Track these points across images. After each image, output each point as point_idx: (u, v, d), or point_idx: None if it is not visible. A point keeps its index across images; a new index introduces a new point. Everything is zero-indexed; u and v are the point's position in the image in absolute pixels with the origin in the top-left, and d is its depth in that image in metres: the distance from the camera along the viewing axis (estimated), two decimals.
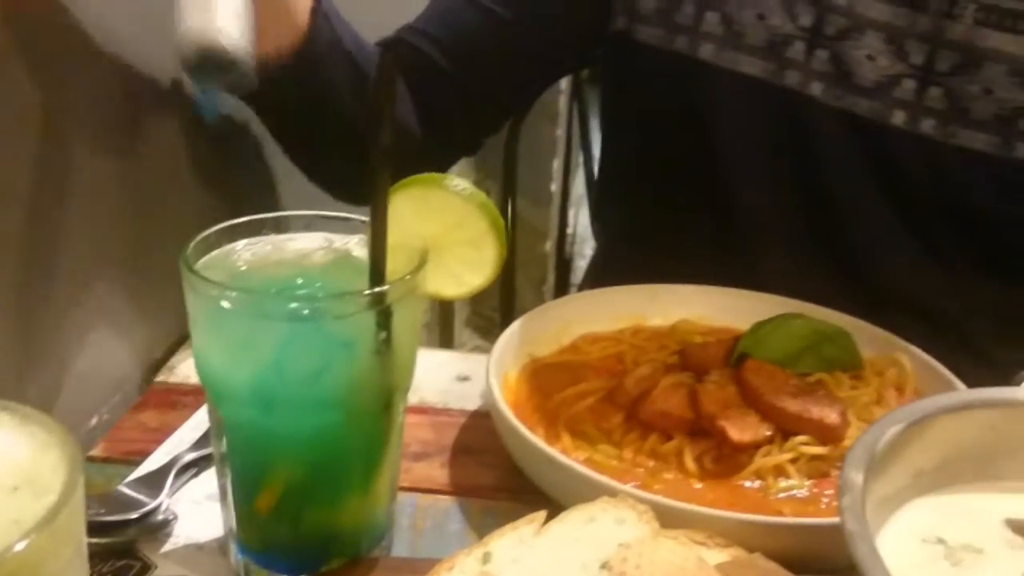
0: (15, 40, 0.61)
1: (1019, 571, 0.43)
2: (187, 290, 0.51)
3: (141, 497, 0.62)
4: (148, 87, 0.79)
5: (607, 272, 1.00)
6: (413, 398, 0.73)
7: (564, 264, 1.90)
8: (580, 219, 2.27)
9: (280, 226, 0.56)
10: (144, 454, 0.68)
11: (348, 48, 0.81)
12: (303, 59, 0.77)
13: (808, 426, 0.66)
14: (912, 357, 0.75)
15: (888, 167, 0.85)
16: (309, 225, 0.57)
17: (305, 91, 0.79)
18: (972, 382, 0.67)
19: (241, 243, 0.55)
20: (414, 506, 0.66)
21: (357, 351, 0.51)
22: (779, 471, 0.65)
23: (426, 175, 0.56)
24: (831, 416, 0.66)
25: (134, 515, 0.60)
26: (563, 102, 2.00)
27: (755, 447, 0.65)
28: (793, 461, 0.65)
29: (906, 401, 0.72)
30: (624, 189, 1.03)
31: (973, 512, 0.45)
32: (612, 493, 0.57)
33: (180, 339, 0.84)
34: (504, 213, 1.37)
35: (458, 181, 0.56)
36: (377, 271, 0.51)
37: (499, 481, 0.68)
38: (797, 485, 0.64)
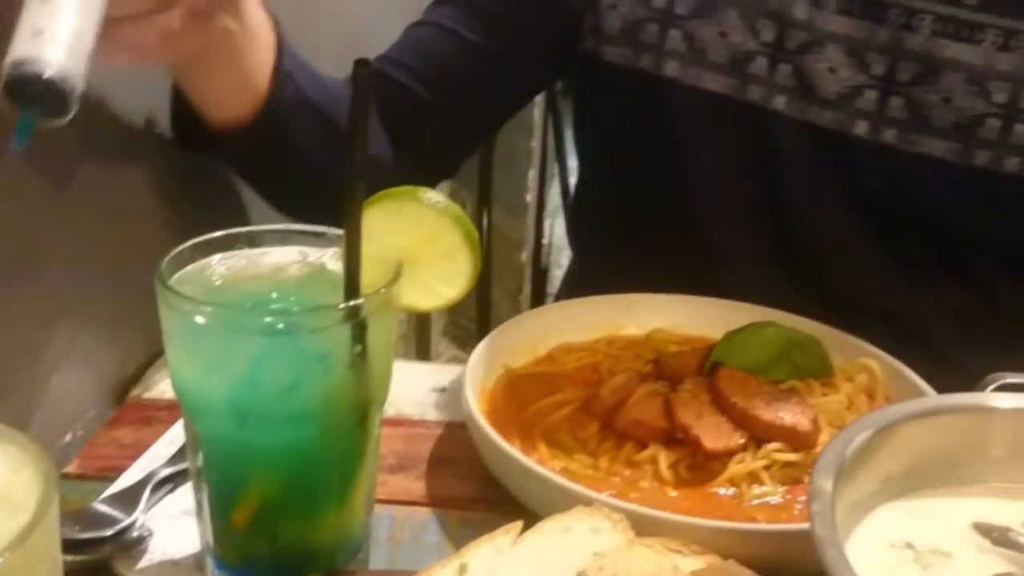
0: None
1: (986, 573, 0.44)
2: (162, 305, 0.51)
3: (116, 514, 0.61)
4: (119, 103, 0.78)
5: (583, 282, 1.01)
6: (389, 410, 0.73)
7: (540, 274, 1.90)
8: (556, 229, 2.28)
9: (254, 240, 0.56)
10: (119, 470, 0.68)
11: (314, 101, 0.80)
12: (265, 121, 0.76)
13: (780, 433, 0.67)
14: (882, 363, 0.76)
15: (852, 176, 0.87)
16: (283, 239, 0.57)
17: (272, 148, 0.78)
18: (939, 387, 0.68)
19: (215, 258, 0.55)
20: (391, 518, 0.66)
21: (332, 365, 0.51)
22: (752, 478, 0.65)
23: (400, 188, 0.57)
24: (803, 423, 0.67)
25: (109, 532, 0.60)
26: (538, 113, 2.01)
27: (729, 455, 0.66)
28: (766, 468, 0.66)
29: (876, 406, 0.73)
30: (598, 200, 1.04)
31: (941, 516, 0.45)
32: (588, 502, 0.57)
33: (154, 354, 0.84)
34: (480, 224, 1.38)
35: (432, 194, 0.56)
36: (352, 285, 0.51)
37: (476, 492, 0.68)
38: (770, 492, 0.65)
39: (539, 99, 1.88)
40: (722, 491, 0.65)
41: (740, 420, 0.68)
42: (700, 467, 0.66)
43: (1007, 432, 0.47)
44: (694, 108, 0.89)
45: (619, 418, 0.69)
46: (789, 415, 0.68)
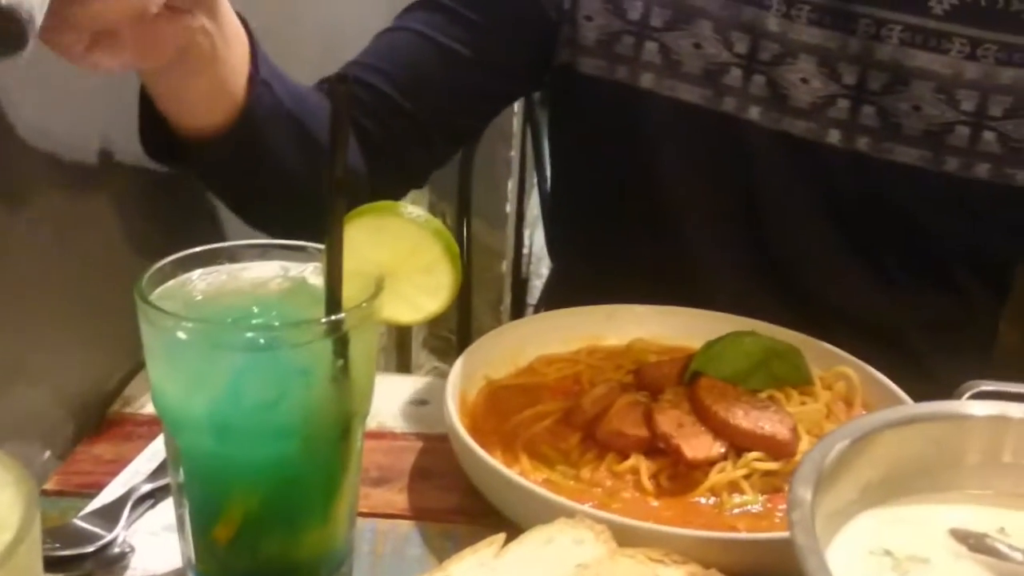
0: None
1: None
2: (142, 321, 0.51)
3: (97, 530, 0.61)
4: (95, 116, 0.78)
5: (563, 292, 1.01)
6: (371, 423, 0.73)
7: (520, 285, 1.91)
8: (536, 239, 2.29)
9: (235, 256, 0.56)
10: (99, 486, 0.68)
11: (289, 108, 0.78)
12: (242, 130, 0.74)
13: (760, 442, 0.67)
14: (859, 372, 0.76)
15: (826, 185, 0.88)
16: (264, 254, 0.57)
17: (246, 157, 0.77)
18: (915, 393, 0.69)
19: (196, 273, 0.55)
20: (374, 531, 0.66)
21: (314, 379, 0.52)
22: (733, 487, 0.66)
23: (380, 203, 0.57)
24: (782, 432, 0.68)
25: (90, 548, 0.59)
26: (516, 124, 2.02)
27: (709, 464, 0.66)
28: (747, 477, 0.66)
29: (855, 415, 0.74)
30: (576, 211, 1.05)
31: (918, 523, 0.46)
32: (570, 514, 0.57)
33: (134, 370, 0.83)
34: (460, 235, 1.38)
35: (412, 208, 0.57)
36: (333, 299, 0.51)
37: (458, 504, 0.68)
38: (751, 501, 0.65)
39: (517, 108, 1.89)
40: (703, 500, 0.65)
41: (720, 429, 0.68)
42: (681, 477, 0.67)
43: (982, 440, 0.47)
44: (669, 119, 0.90)
45: (600, 429, 0.70)
46: (769, 424, 0.68)
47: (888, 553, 0.44)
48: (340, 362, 0.52)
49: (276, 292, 0.56)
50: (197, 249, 0.55)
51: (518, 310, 1.86)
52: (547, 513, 0.58)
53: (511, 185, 2.12)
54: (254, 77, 0.74)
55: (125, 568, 0.60)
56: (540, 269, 2.27)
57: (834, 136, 0.87)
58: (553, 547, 0.54)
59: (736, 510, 0.65)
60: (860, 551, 0.44)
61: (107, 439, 0.75)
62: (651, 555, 0.54)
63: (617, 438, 0.69)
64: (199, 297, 0.54)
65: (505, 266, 2.23)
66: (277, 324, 0.53)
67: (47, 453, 0.73)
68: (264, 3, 1.04)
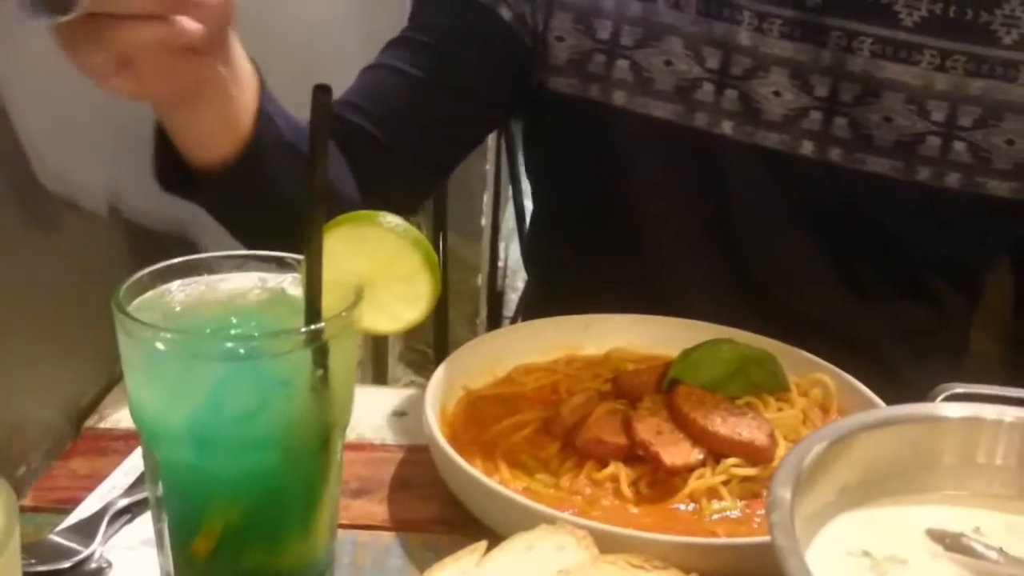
0: None
1: None
2: (120, 333, 0.51)
3: (73, 545, 0.60)
4: (73, 133, 0.78)
5: (540, 304, 1.02)
6: (350, 435, 0.73)
7: (496, 297, 1.91)
8: (511, 252, 2.29)
9: (213, 267, 0.56)
10: (75, 502, 0.67)
11: (289, 140, 0.81)
12: (248, 161, 0.77)
13: (738, 448, 0.68)
14: (835, 378, 0.77)
15: (799, 196, 0.89)
16: (243, 265, 0.57)
17: (250, 187, 0.79)
18: (889, 400, 0.70)
19: (174, 284, 0.55)
20: (354, 543, 0.65)
21: (294, 389, 0.51)
22: (712, 493, 0.66)
23: (359, 212, 0.57)
24: (760, 438, 0.68)
25: (66, 564, 0.59)
26: (491, 137, 2.02)
27: (688, 471, 0.67)
28: (725, 483, 0.67)
29: (831, 420, 0.75)
30: (552, 223, 1.06)
31: (896, 524, 0.47)
32: (551, 521, 0.58)
33: (109, 384, 0.83)
34: (435, 249, 1.38)
35: (391, 218, 0.57)
36: (312, 308, 0.51)
37: (438, 515, 0.68)
38: (730, 506, 0.66)
39: None
40: (683, 507, 0.66)
41: (698, 436, 0.69)
42: (661, 484, 0.67)
43: (956, 441, 0.48)
44: (642, 135, 0.91)
45: (579, 437, 0.70)
46: (746, 430, 0.69)
47: (866, 554, 0.45)
48: (320, 372, 0.52)
49: (255, 303, 0.55)
50: (175, 260, 0.55)
51: (494, 323, 1.87)
52: (528, 521, 0.58)
53: (486, 198, 2.13)
54: (260, 112, 0.77)
55: None
56: (515, 282, 2.28)
57: (807, 148, 0.88)
58: (535, 554, 0.54)
59: (715, 516, 0.65)
60: (839, 552, 0.45)
61: (83, 454, 0.74)
62: (632, 561, 0.54)
63: (596, 446, 0.69)
64: (177, 308, 0.54)
65: (481, 279, 2.23)
66: (256, 334, 0.53)
67: (22, 468, 0.72)
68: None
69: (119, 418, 0.78)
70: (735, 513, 0.65)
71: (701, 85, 0.89)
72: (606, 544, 0.56)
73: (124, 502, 0.66)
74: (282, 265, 0.57)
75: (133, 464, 0.71)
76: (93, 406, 0.81)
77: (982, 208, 0.87)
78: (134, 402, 0.53)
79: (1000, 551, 0.46)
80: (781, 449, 0.69)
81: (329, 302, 0.52)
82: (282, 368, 0.51)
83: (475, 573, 0.53)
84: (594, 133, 0.93)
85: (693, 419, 0.69)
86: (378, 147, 0.92)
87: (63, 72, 0.75)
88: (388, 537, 0.66)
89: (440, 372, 0.75)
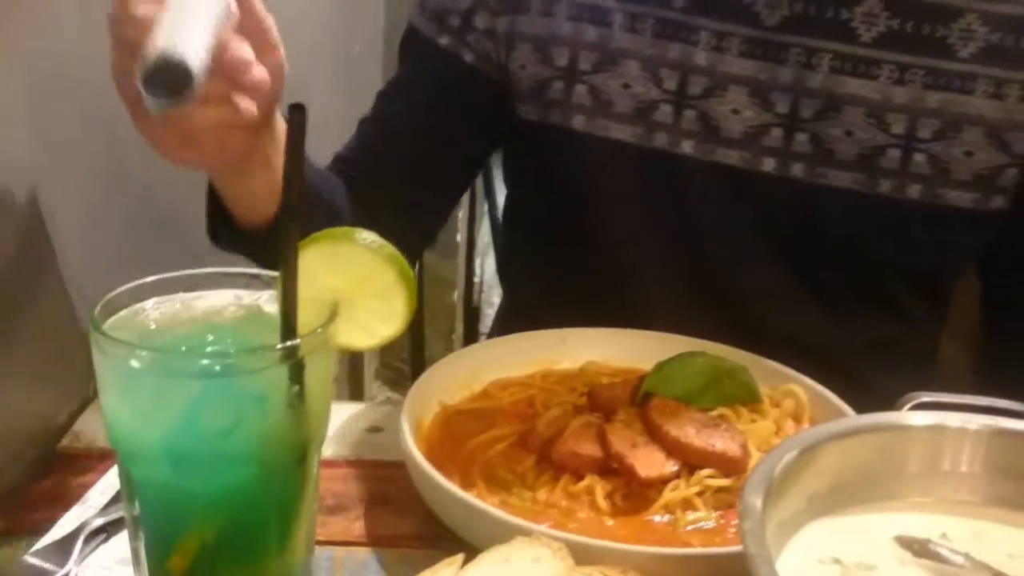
0: None
1: None
2: (96, 352, 0.51)
3: (48, 566, 0.60)
4: (50, 147, 0.78)
5: (515, 319, 1.02)
6: (326, 451, 0.73)
7: (472, 313, 1.91)
8: (487, 268, 2.30)
9: (189, 284, 0.57)
10: (50, 522, 0.67)
11: (320, 190, 0.87)
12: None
13: (712, 459, 0.69)
14: (807, 389, 0.78)
15: (763, 211, 0.90)
16: (218, 282, 0.57)
17: None
18: (859, 409, 0.71)
19: (150, 302, 0.55)
20: (331, 559, 0.65)
21: (270, 405, 0.52)
22: (686, 504, 0.67)
23: (334, 229, 0.57)
24: (733, 449, 0.69)
25: None
26: None
27: (663, 482, 0.68)
28: (699, 494, 0.67)
29: (803, 430, 0.76)
30: (525, 241, 1.07)
31: (865, 531, 0.48)
32: (527, 534, 0.58)
33: (83, 404, 0.83)
34: (411, 264, 1.39)
35: (366, 234, 0.57)
36: (288, 325, 0.52)
37: (416, 530, 0.69)
38: (704, 517, 0.66)
39: None
40: (658, 518, 0.67)
41: (672, 448, 0.69)
42: (636, 496, 0.68)
43: (922, 449, 0.49)
44: (604, 158, 0.92)
45: (555, 450, 0.70)
46: (720, 441, 0.70)
47: (837, 561, 0.46)
48: (296, 388, 0.52)
49: (231, 320, 0.56)
50: (150, 278, 0.55)
51: (470, 339, 1.87)
52: (505, 535, 0.58)
53: (462, 215, 2.13)
54: None
55: None
56: (491, 298, 2.29)
57: (769, 164, 0.90)
58: (511, 566, 0.54)
59: (690, 527, 0.66)
60: (810, 559, 0.45)
61: (58, 474, 0.74)
62: (608, 572, 0.55)
63: (572, 459, 0.70)
64: (153, 326, 0.54)
65: (456, 295, 2.24)
66: (232, 351, 0.53)
67: None
68: None
69: (94, 437, 0.78)
70: (709, 524, 0.66)
71: (659, 106, 0.90)
72: (582, 556, 0.57)
73: (99, 521, 0.66)
74: (258, 282, 0.57)
75: (108, 483, 0.71)
76: (68, 426, 0.80)
77: (944, 219, 0.89)
78: (110, 421, 0.53)
79: (966, 556, 0.46)
80: (754, 460, 0.70)
81: (305, 318, 0.52)
82: (258, 385, 0.51)
83: None
84: (558, 157, 0.95)
85: (667, 431, 0.70)
86: (379, 197, 0.94)
87: (42, 88, 0.76)
88: (365, 553, 0.67)
89: (416, 387, 0.76)
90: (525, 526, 0.60)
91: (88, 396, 0.83)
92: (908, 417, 0.51)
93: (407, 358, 1.79)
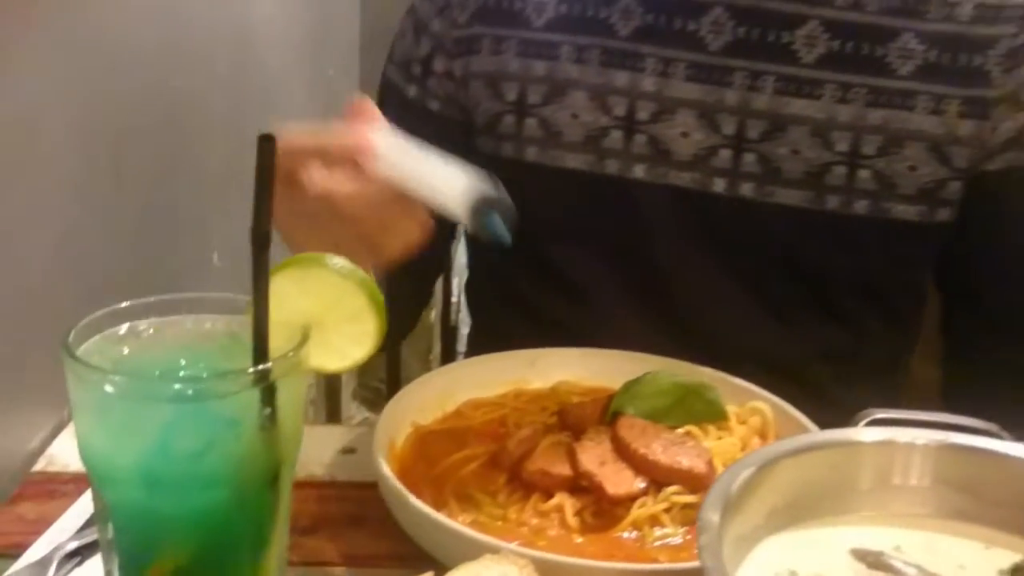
0: None
1: None
2: (69, 377, 0.52)
3: None
4: (26, 170, 0.79)
5: (483, 342, 1.04)
6: (300, 473, 0.74)
7: (450, 333, 1.92)
8: (464, 288, 2.30)
9: (161, 309, 0.57)
10: (23, 547, 0.67)
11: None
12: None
13: (679, 476, 0.70)
14: (772, 406, 0.80)
15: (715, 231, 0.93)
16: (191, 307, 0.58)
17: None
18: (823, 423, 0.73)
19: (123, 327, 0.56)
20: None
21: (243, 428, 0.53)
22: (654, 521, 0.68)
23: (305, 255, 0.59)
24: (699, 465, 0.71)
25: None
26: None
27: (631, 499, 0.69)
28: (667, 510, 0.69)
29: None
30: (487, 270, 1.08)
31: (821, 544, 0.49)
32: (496, 552, 0.59)
33: (57, 428, 0.83)
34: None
35: (337, 259, 0.58)
36: (260, 349, 0.53)
37: (389, 550, 0.69)
38: (671, 533, 0.68)
39: None
40: (626, 535, 0.68)
41: (640, 465, 0.71)
42: (605, 513, 0.69)
43: (873, 464, 0.51)
44: (558, 187, 0.94)
45: (526, 469, 0.72)
46: (686, 459, 0.71)
47: (793, 574, 0.47)
48: (268, 411, 0.53)
49: (204, 344, 0.57)
50: (123, 304, 0.56)
51: (448, 358, 1.87)
52: (475, 553, 0.59)
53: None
54: None
55: None
56: (469, 318, 2.29)
57: (719, 184, 0.92)
58: None
59: (657, 542, 0.67)
60: (767, 573, 0.47)
61: (31, 499, 0.74)
62: None
63: (542, 478, 0.71)
64: (126, 351, 0.55)
65: (434, 315, 2.24)
66: (204, 375, 0.54)
67: None
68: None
69: (68, 461, 0.78)
70: (676, 539, 0.67)
71: (609, 133, 0.93)
72: (552, 572, 0.58)
73: (73, 545, 0.66)
74: (230, 307, 0.58)
75: (82, 507, 0.72)
76: (41, 450, 0.81)
77: (891, 232, 0.91)
78: (83, 444, 0.54)
79: (919, 568, 0.48)
80: None
81: (277, 342, 0.53)
82: (230, 408, 0.52)
83: None
84: (513, 188, 0.97)
85: (635, 449, 0.71)
86: None
87: (20, 108, 0.76)
88: (339, 573, 0.67)
89: (389, 408, 0.77)
90: (494, 544, 0.61)
91: (62, 420, 0.83)
92: (859, 433, 0.52)
93: (384, 378, 1.79)
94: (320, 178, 0.69)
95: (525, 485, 0.71)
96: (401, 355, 1.72)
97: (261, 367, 0.52)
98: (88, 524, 0.69)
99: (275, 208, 0.72)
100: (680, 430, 0.76)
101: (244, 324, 0.56)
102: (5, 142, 0.75)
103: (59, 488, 0.75)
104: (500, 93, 0.95)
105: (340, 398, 2.03)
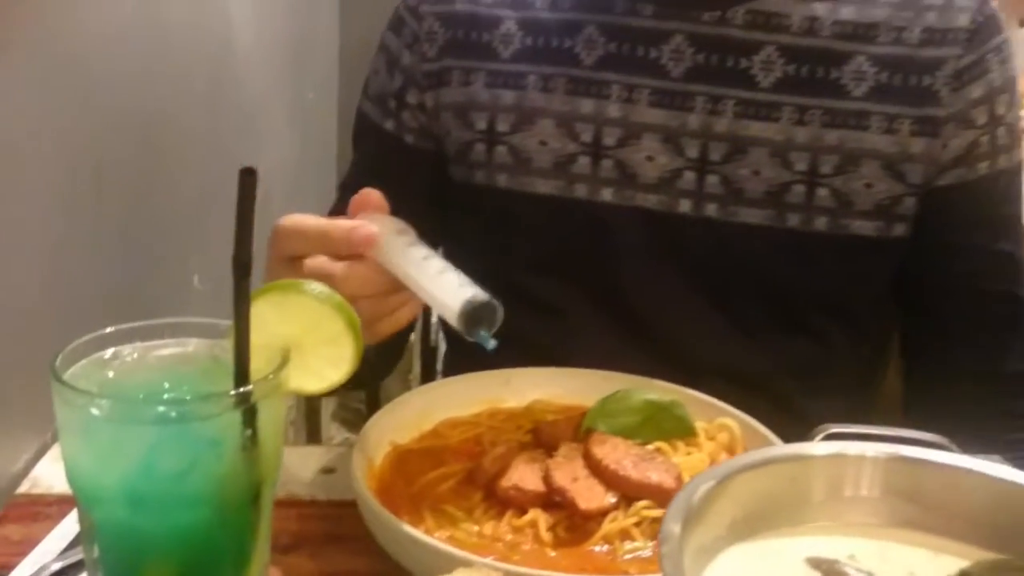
0: None
1: None
2: (57, 400, 0.53)
3: None
4: (12, 193, 0.80)
5: (463, 362, 1.06)
6: (281, 492, 0.75)
7: (430, 352, 1.94)
8: None
9: (146, 334, 0.59)
10: (8, 568, 0.68)
11: None
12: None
13: (648, 491, 0.72)
14: (740, 423, 0.82)
15: (682, 250, 0.96)
16: (174, 332, 0.60)
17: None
18: (791, 437, 0.75)
19: (109, 352, 0.58)
20: None
21: (224, 449, 0.55)
22: (625, 534, 0.70)
23: (285, 281, 0.61)
24: (668, 481, 0.73)
25: None
26: None
27: (602, 514, 0.71)
28: (637, 524, 0.71)
29: None
30: None
31: (779, 554, 0.51)
32: (470, 566, 0.61)
33: (40, 450, 0.84)
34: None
35: (315, 285, 0.61)
36: (241, 372, 0.55)
37: (368, 567, 0.71)
38: (641, 546, 0.70)
39: None
40: (598, 548, 0.70)
41: (611, 481, 0.73)
42: (577, 527, 0.71)
43: (825, 476, 0.53)
44: (529, 212, 0.98)
45: (500, 486, 0.74)
46: (656, 474, 0.74)
47: None
48: (249, 432, 0.55)
49: (187, 368, 0.59)
50: (109, 329, 0.58)
51: (428, 378, 1.89)
52: (451, 568, 0.61)
53: None
54: None
55: None
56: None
57: (685, 206, 0.95)
58: None
59: (628, 555, 0.69)
60: None
61: (15, 521, 0.75)
62: None
63: (516, 494, 0.73)
64: (112, 375, 0.57)
65: (413, 336, 2.26)
66: (188, 398, 0.56)
67: None
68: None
69: (51, 483, 0.80)
70: (646, 552, 0.69)
71: (577, 159, 0.96)
72: None
73: (58, 566, 0.68)
74: (211, 332, 0.60)
75: (67, 529, 0.73)
76: (25, 472, 0.82)
77: (850, 248, 0.94)
78: (70, 465, 0.56)
79: (871, 575, 0.51)
80: None
81: (257, 365, 0.55)
82: (213, 429, 0.54)
83: None
84: (484, 213, 1.00)
85: (606, 465, 0.74)
86: None
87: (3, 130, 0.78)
88: None
89: (368, 428, 0.79)
90: (469, 559, 0.63)
91: (45, 443, 0.84)
92: (812, 447, 0.55)
93: (363, 399, 1.81)
94: (321, 260, 0.72)
95: (500, 501, 0.73)
96: None
97: (242, 389, 0.54)
98: (72, 545, 0.70)
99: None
100: (650, 446, 0.78)
101: (225, 348, 0.58)
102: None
103: (43, 510, 0.76)
104: (470, 122, 0.98)
105: (320, 420, 2.04)
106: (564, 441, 0.78)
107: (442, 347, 2.22)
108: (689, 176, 0.94)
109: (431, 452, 0.81)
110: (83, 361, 0.57)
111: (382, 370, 1.13)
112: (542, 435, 0.80)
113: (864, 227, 0.94)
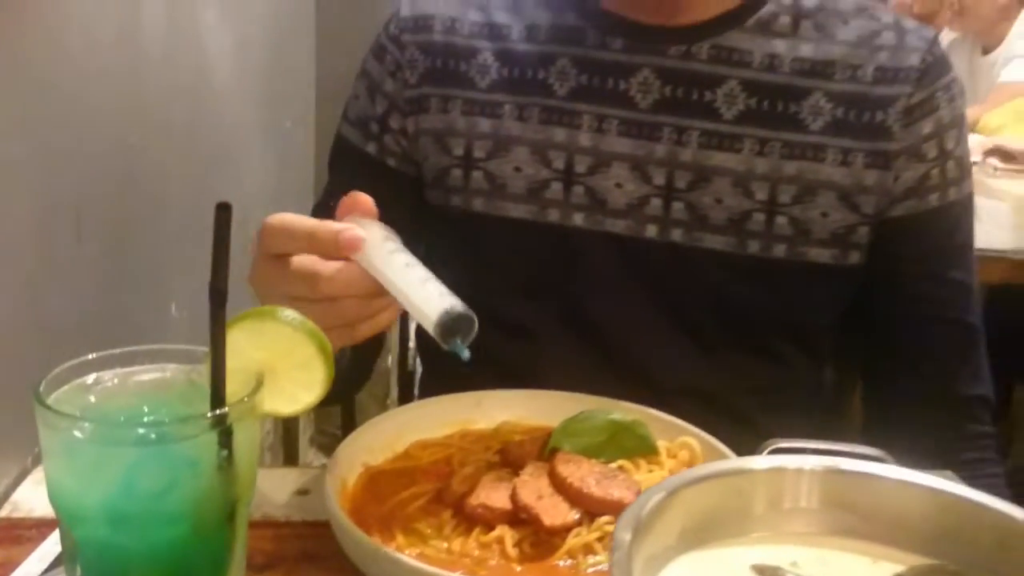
0: None
1: None
2: (40, 423, 0.56)
3: None
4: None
5: (434, 386, 1.09)
6: (256, 513, 0.78)
7: (407, 376, 1.96)
8: (416, 333, 2.34)
9: (126, 360, 0.62)
10: None
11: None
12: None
13: (610, 507, 0.75)
14: (701, 441, 0.86)
15: (648, 274, 1.00)
16: (153, 358, 0.63)
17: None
18: (743, 450, 0.78)
19: (91, 377, 0.61)
20: None
21: (201, 468, 0.57)
22: (588, 549, 0.73)
23: (260, 308, 0.64)
24: (629, 497, 0.76)
25: None
26: None
27: (566, 530, 0.74)
28: (600, 539, 0.74)
29: None
30: None
31: (726, 562, 0.55)
32: None
33: (20, 475, 0.86)
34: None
35: (288, 312, 0.64)
36: (217, 395, 0.58)
37: None
38: (603, 560, 0.72)
39: None
40: (562, 563, 0.73)
41: (575, 498, 0.76)
42: (542, 543, 0.74)
43: (766, 489, 0.57)
44: (503, 235, 1.02)
45: (468, 504, 0.77)
46: (617, 491, 0.77)
47: None
48: (225, 452, 0.58)
49: (165, 392, 0.62)
50: (91, 355, 0.61)
51: (405, 402, 1.91)
52: None
53: None
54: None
55: None
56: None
57: (651, 231, 0.99)
58: None
59: (591, 569, 0.72)
60: None
61: None
62: None
63: (484, 512, 0.76)
64: (94, 399, 0.60)
65: (391, 360, 2.28)
66: (166, 420, 0.59)
67: None
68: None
69: (33, 506, 0.81)
70: (608, 566, 0.73)
71: (550, 185, 1.00)
72: None
73: None
74: (189, 357, 0.63)
75: (47, 550, 0.75)
76: (5, 497, 0.83)
77: (807, 274, 0.99)
78: (53, 486, 0.58)
79: None
80: None
81: (233, 388, 0.58)
82: (190, 450, 0.57)
83: None
84: (459, 237, 1.04)
85: (570, 483, 0.77)
86: None
87: None
88: None
89: (341, 450, 0.81)
90: (439, 574, 0.66)
91: (25, 468, 0.86)
92: (755, 462, 0.58)
93: (340, 423, 1.83)
94: (307, 259, 0.74)
95: (468, 519, 0.76)
96: (357, 400, 1.76)
97: (218, 412, 0.57)
98: (53, 566, 0.72)
99: (260, 284, 0.77)
100: (613, 464, 0.82)
101: (202, 373, 0.61)
102: None
103: (24, 533, 0.78)
104: (448, 148, 1.02)
105: (297, 444, 2.06)
106: (530, 460, 0.81)
107: (419, 372, 2.25)
108: (656, 203, 0.99)
109: (402, 473, 0.84)
110: (66, 386, 0.60)
111: (355, 380, 1.15)
112: (509, 455, 0.83)
113: (821, 255, 0.99)
